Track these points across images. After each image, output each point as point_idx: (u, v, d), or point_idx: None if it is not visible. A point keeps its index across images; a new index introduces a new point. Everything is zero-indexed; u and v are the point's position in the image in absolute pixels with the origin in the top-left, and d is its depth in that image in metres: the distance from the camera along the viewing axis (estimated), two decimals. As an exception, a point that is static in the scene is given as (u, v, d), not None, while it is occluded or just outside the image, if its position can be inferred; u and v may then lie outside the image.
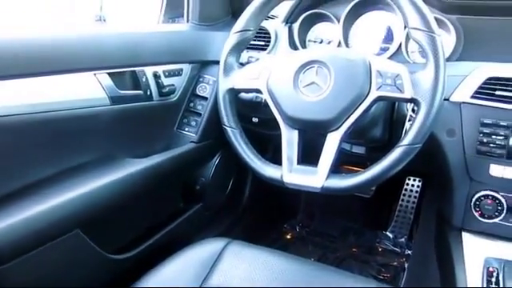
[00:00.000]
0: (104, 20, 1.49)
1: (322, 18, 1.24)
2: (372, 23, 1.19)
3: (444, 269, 1.01)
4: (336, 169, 0.83)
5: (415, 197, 1.81)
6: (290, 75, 0.84)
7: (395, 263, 1.66)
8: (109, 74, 1.02)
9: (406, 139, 0.77)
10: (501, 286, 0.84)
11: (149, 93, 1.13)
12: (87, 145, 1.01)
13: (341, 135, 0.80)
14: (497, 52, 1.05)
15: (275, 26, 1.27)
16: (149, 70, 1.14)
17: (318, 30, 1.28)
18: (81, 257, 0.96)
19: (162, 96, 1.17)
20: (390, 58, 1.13)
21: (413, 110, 0.95)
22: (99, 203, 0.97)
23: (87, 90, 0.98)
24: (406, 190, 1.84)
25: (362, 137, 1.01)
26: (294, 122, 0.84)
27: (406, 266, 1.62)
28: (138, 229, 1.21)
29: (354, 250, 1.75)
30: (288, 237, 1.86)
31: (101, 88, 0.99)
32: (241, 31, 0.93)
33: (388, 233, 1.81)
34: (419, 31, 0.77)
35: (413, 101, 0.77)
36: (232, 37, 0.93)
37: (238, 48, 0.94)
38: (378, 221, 1.85)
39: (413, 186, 1.83)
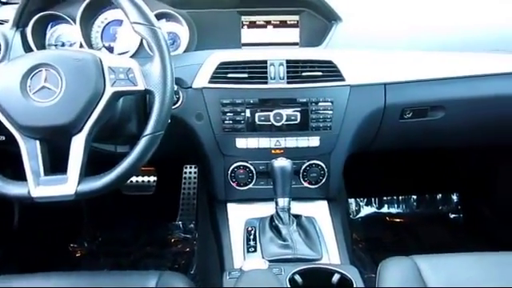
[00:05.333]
0: None
1: (56, 19, 1.17)
2: (114, 22, 1.19)
3: (218, 241, 1.11)
4: None
5: (195, 183, 1.92)
6: (16, 83, 0.77)
7: (188, 249, 1.74)
8: None
9: (148, 129, 0.80)
10: (257, 239, 0.97)
11: None
12: None
13: (85, 137, 0.78)
14: (226, 39, 1.19)
15: (4, 31, 1.14)
16: None
17: (58, 33, 1.21)
18: None
19: None
20: (134, 54, 1.15)
21: None
22: None
23: None
24: (185, 178, 1.93)
25: (119, 134, 1.01)
26: (31, 132, 0.78)
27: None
28: None
29: (147, 248, 1.76)
30: (77, 255, 1.74)
31: None
32: None
33: (178, 222, 1.87)
34: (140, 25, 0.81)
35: (147, 92, 0.81)
36: None
37: None
38: (167, 213, 1.89)
39: (190, 173, 1.94)
